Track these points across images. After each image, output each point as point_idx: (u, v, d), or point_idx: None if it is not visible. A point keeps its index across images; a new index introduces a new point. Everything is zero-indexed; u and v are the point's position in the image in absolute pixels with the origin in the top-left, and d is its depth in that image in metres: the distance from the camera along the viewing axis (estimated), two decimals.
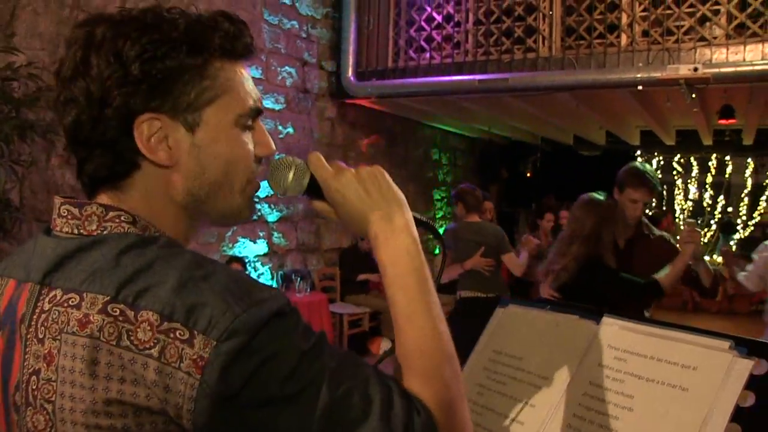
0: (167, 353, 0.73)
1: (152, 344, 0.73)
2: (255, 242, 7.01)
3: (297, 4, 7.50)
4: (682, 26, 6.22)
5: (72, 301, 0.79)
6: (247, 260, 6.66)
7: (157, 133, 0.84)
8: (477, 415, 1.28)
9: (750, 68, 5.89)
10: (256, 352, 0.73)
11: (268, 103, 7.08)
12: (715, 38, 6.10)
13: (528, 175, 13.01)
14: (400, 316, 0.88)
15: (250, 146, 0.92)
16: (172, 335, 0.73)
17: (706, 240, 12.66)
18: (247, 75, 0.92)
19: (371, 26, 7.75)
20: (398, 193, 0.95)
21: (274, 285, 6.98)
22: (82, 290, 0.79)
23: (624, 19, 6.53)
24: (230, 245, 6.67)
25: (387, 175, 0.95)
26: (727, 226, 12.43)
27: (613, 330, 1.19)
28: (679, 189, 13.70)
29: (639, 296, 3.28)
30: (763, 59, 5.82)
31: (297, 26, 7.53)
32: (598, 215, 3.30)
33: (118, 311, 0.75)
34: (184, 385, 0.72)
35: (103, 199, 0.88)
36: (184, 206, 0.89)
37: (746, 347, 1.00)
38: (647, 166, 3.57)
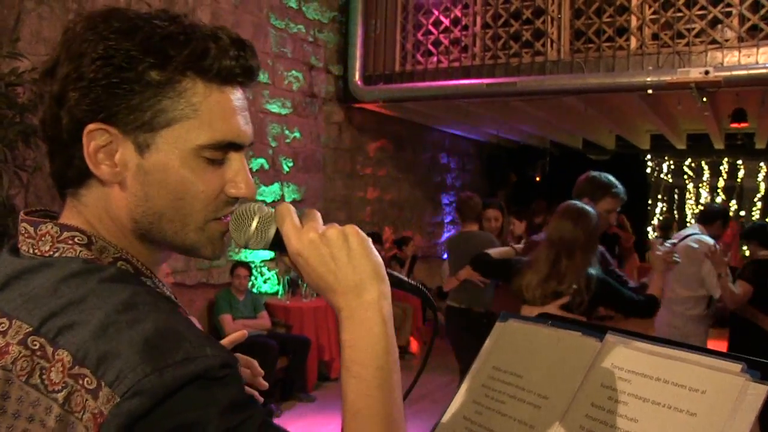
0: (72, 401, 0.66)
1: (60, 388, 0.67)
2: None
3: (304, 9, 7.47)
4: (693, 29, 6.15)
5: (2, 327, 0.74)
6: (253, 265, 6.63)
7: (107, 146, 0.78)
8: None
9: (763, 71, 5.82)
10: (162, 419, 0.65)
11: (274, 108, 7.06)
12: (726, 41, 6.03)
13: (537, 179, 12.93)
14: (347, 410, 0.77)
15: (216, 183, 0.82)
16: (80, 382, 0.67)
17: None
18: (232, 103, 0.82)
19: (378, 30, 7.72)
20: (374, 259, 0.81)
21: (280, 291, 6.94)
22: (12, 316, 0.74)
23: (633, 22, 6.46)
24: (237, 250, 6.64)
25: (363, 236, 0.82)
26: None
27: (616, 348, 1.13)
28: (690, 193, 13.58)
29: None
30: None
31: (304, 30, 7.50)
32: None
33: (37, 345, 0.70)
34: None
35: (66, 212, 0.83)
36: (131, 230, 0.82)
37: (758, 370, 0.93)
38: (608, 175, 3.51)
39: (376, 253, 0.83)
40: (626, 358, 1.11)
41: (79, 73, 0.76)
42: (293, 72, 7.37)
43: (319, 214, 0.84)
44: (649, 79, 6.21)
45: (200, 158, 0.80)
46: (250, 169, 0.88)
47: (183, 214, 0.80)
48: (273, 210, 0.86)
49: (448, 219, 11.09)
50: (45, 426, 0.67)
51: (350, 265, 0.80)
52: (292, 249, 0.82)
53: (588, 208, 3.09)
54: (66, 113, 0.77)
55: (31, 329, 0.71)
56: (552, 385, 1.18)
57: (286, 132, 7.27)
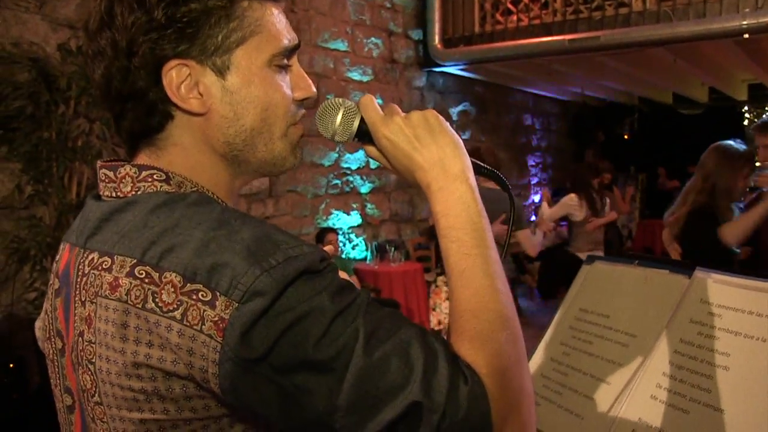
0: (189, 315, 0.71)
1: (175, 306, 0.71)
2: (348, 214, 7.09)
3: None
4: None
5: (105, 264, 0.79)
6: (341, 231, 6.76)
7: (187, 80, 0.81)
8: (562, 376, 1.24)
9: None
10: (281, 313, 0.69)
11: (355, 75, 7.11)
12: None
13: (625, 137, 12.53)
14: (452, 272, 0.81)
15: (287, 89, 0.87)
16: (194, 297, 0.71)
17: None
18: (278, 13, 0.87)
19: None
20: (454, 136, 0.88)
21: (369, 256, 7.05)
22: (113, 253, 0.79)
23: None
24: (324, 217, 6.78)
25: (441, 118, 0.89)
26: None
27: (706, 284, 1.11)
28: None
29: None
30: None
31: None
32: (717, 164, 3.17)
33: (144, 273, 0.74)
34: (206, 348, 0.70)
35: (142, 157, 0.87)
36: (222, 155, 0.86)
37: None
38: None
39: (455, 132, 0.89)
40: (716, 292, 1.10)
41: (147, 19, 0.78)
42: (372, 39, 7.38)
43: (397, 106, 0.91)
44: (746, 22, 5.87)
45: (272, 68, 0.85)
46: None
47: (269, 124, 0.86)
48: (354, 103, 0.92)
49: (534, 181, 10.92)
50: (168, 343, 0.72)
51: (434, 143, 0.87)
52: (379, 134, 0.89)
53: (722, 144, 3.21)
54: (140, 60, 0.80)
55: (135, 261, 0.75)
56: (640, 324, 1.18)
57: None
